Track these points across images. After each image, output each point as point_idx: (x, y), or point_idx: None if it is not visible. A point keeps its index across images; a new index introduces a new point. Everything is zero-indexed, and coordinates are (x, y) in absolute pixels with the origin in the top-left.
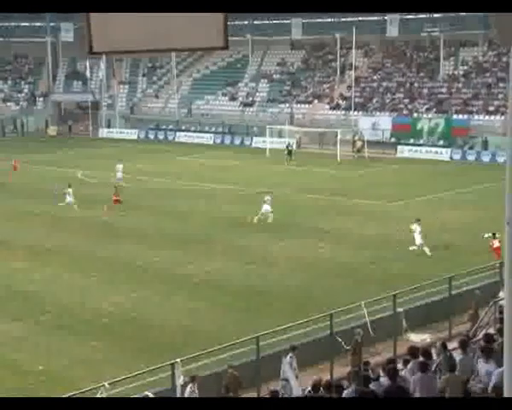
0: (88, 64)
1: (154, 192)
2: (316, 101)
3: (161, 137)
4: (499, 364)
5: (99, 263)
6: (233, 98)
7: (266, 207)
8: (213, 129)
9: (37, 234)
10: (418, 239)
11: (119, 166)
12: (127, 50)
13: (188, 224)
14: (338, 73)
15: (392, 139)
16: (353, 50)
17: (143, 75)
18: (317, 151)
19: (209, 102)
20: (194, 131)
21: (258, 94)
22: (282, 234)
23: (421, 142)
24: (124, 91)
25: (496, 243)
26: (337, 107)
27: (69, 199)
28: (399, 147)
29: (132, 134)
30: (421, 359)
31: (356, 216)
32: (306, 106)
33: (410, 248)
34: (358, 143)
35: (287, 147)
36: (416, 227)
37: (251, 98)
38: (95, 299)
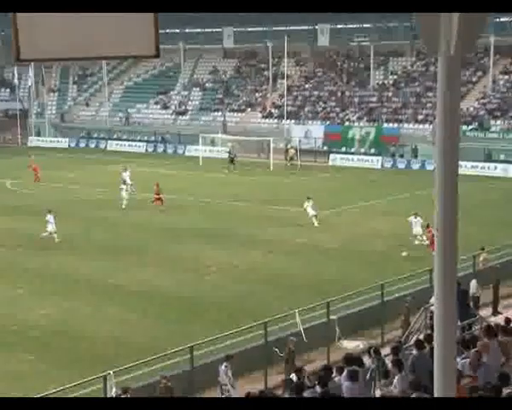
0: (16, 71)
1: (85, 202)
2: (248, 109)
3: (92, 145)
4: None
5: (27, 275)
6: (165, 106)
7: (311, 211)
8: (146, 137)
9: None
10: (312, 212)
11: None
12: (55, 58)
13: (119, 234)
14: (270, 81)
15: (325, 147)
16: (285, 59)
17: (74, 82)
18: (250, 160)
19: (141, 111)
20: (127, 140)
21: (190, 102)
22: (215, 243)
23: (353, 150)
24: (53, 99)
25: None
26: (270, 115)
27: (51, 228)
28: (332, 155)
29: (63, 143)
30: (352, 367)
31: (288, 224)
32: (239, 114)
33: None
34: (291, 152)
35: (229, 154)
36: (307, 204)
37: (183, 107)
38: (23, 311)
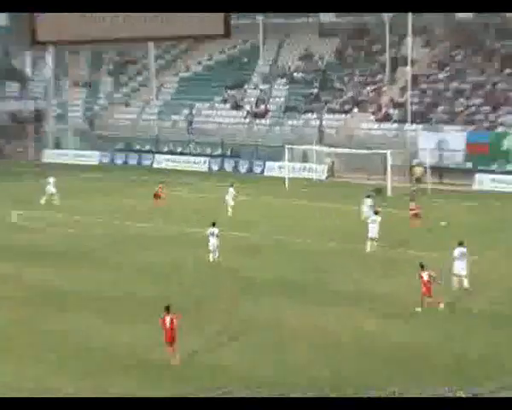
0: (29, 59)
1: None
2: (355, 109)
3: (133, 161)
4: None
5: None
6: (237, 106)
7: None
8: (209, 150)
9: None
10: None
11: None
12: (82, 40)
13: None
14: (387, 69)
15: (468, 164)
16: (409, 38)
17: (108, 74)
18: (356, 181)
19: (202, 113)
20: (182, 154)
21: (272, 100)
22: (302, 298)
23: (510, 168)
24: (80, 97)
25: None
26: (386, 118)
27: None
28: (478, 175)
29: (92, 158)
30: None
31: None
32: (342, 117)
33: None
34: (418, 171)
35: (327, 174)
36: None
37: (262, 106)
38: None
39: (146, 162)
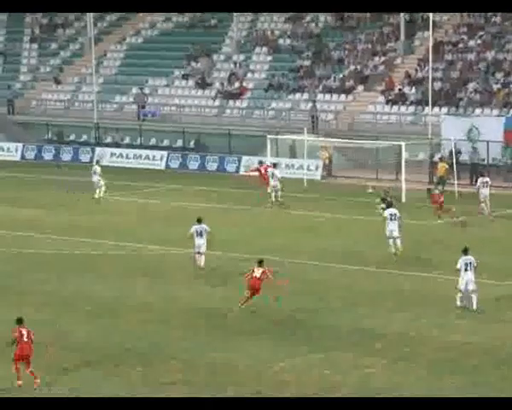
0: None
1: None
2: (360, 87)
3: (67, 157)
4: None
5: None
6: (203, 84)
7: None
8: (167, 142)
9: None
10: None
11: None
12: None
13: None
14: (401, 34)
15: (507, 159)
16: None
17: (32, 40)
18: (361, 182)
19: (157, 92)
20: (131, 147)
21: (250, 76)
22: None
23: None
24: None
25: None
26: (400, 99)
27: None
28: None
29: (12, 152)
30: None
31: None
32: (342, 97)
33: None
34: (442, 168)
35: (383, 198)
36: None
37: (237, 83)
38: None
39: (84, 158)
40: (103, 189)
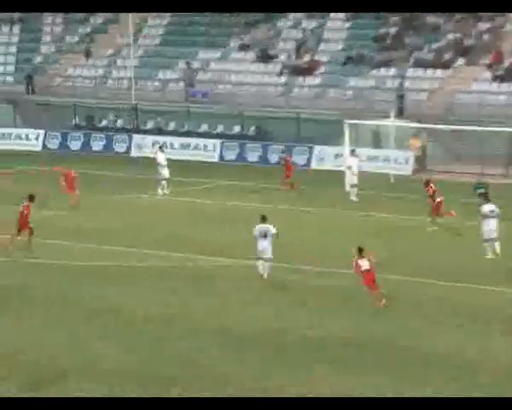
0: None
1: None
2: (460, 61)
3: (99, 146)
4: None
5: None
6: (264, 56)
7: None
8: (220, 128)
9: None
10: None
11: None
12: None
13: None
14: None
15: None
16: None
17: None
18: (461, 178)
19: (208, 66)
20: (176, 134)
21: (323, 46)
22: None
23: None
24: (9, 42)
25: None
26: (511, 75)
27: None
28: None
29: (30, 140)
30: None
31: None
32: (438, 73)
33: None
34: None
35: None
36: None
37: (307, 56)
38: None
39: (119, 147)
40: (164, 184)
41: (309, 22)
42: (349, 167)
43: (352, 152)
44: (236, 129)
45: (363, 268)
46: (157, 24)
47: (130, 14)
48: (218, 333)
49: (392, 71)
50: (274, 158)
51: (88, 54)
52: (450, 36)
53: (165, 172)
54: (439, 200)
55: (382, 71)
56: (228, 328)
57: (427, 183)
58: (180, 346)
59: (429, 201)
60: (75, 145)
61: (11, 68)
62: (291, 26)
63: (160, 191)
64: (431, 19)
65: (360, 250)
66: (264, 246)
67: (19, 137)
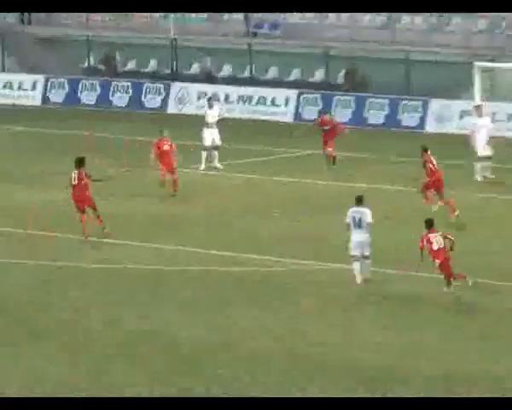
0: None
1: None
2: None
3: (122, 101)
4: None
5: None
6: None
7: None
8: (295, 73)
9: None
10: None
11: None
12: None
13: None
14: None
15: None
16: None
17: None
18: None
19: None
20: (234, 82)
21: None
22: None
23: None
24: None
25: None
26: None
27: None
28: None
29: (26, 90)
30: None
31: None
32: None
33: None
34: None
35: None
36: None
37: None
38: None
39: (150, 102)
40: (215, 154)
41: None
42: (479, 130)
43: (477, 107)
44: (318, 75)
45: (434, 246)
46: None
47: None
48: None
49: None
50: (373, 117)
51: None
52: None
53: (216, 137)
54: None
55: None
56: None
57: None
58: None
59: None
60: (89, 98)
61: None
62: None
63: (202, 164)
64: None
65: (430, 223)
66: (361, 239)
67: (9, 85)
